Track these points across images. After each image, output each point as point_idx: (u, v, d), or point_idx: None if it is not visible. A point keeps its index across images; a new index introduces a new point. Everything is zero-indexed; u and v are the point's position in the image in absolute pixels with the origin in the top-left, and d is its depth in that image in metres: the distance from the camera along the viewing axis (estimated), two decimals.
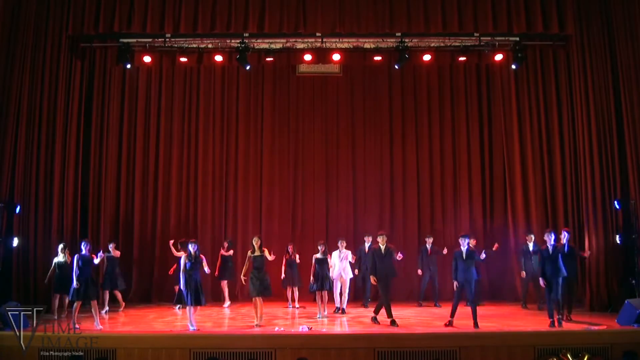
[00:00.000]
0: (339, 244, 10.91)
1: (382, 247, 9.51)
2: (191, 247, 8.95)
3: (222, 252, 11.80)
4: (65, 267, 9.83)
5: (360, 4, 11.05)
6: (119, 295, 11.17)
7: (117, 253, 11.12)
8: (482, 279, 11.70)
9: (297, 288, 11.52)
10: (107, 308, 10.97)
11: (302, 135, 13.38)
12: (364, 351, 7.96)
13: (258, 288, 9.35)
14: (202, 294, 8.90)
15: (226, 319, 10.54)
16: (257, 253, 9.52)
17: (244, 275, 9.72)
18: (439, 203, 13.18)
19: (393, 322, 9.22)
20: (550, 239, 9.15)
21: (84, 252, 9.07)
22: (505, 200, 12.85)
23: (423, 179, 13.26)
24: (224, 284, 11.81)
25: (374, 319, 9.52)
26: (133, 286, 12.44)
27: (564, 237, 9.41)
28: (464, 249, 9.14)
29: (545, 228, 11.74)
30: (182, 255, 9.05)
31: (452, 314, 9.20)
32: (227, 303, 11.75)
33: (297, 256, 11.32)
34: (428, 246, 11.74)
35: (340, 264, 10.74)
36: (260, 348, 7.94)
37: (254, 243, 9.57)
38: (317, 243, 10.88)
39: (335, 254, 10.81)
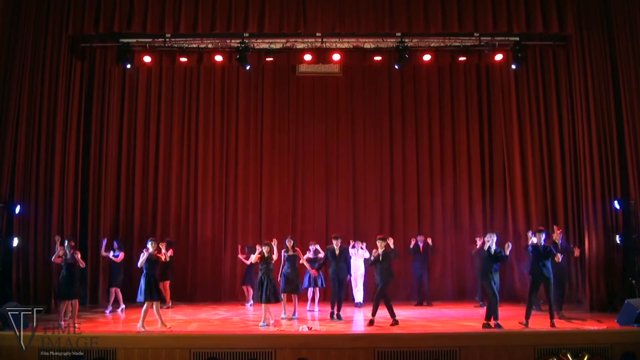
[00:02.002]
0: (355, 244, 11.28)
1: (381, 252, 9.48)
2: (150, 245, 9.02)
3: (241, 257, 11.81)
4: (74, 267, 9.61)
5: (360, 4, 11.05)
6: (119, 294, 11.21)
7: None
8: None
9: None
10: (123, 306, 11.12)
11: (302, 135, 13.39)
12: (364, 351, 7.96)
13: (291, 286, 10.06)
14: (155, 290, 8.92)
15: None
16: (290, 252, 10.16)
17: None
18: (438, 203, 13.18)
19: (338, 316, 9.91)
20: (532, 239, 9.16)
21: (150, 250, 9.02)
22: (505, 200, 12.86)
23: (423, 179, 13.26)
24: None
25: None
26: (133, 286, 12.42)
27: (542, 237, 9.23)
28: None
29: (545, 228, 11.81)
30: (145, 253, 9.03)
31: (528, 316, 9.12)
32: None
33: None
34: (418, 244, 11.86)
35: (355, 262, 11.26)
36: (260, 348, 7.94)
37: (287, 243, 10.21)
38: (309, 243, 11.05)
39: (352, 251, 11.00)
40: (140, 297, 8.81)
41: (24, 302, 10.04)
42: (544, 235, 9.18)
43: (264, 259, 9.46)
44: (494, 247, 8.88)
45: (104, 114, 12.65)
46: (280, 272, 10.41)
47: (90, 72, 12.36)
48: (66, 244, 9.65)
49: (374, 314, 9.36)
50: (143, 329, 8.65)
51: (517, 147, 12.62)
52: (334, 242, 10.19)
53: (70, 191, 11.60)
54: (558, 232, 10.29)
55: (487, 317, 8.91)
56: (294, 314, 10.14)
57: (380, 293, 9.40)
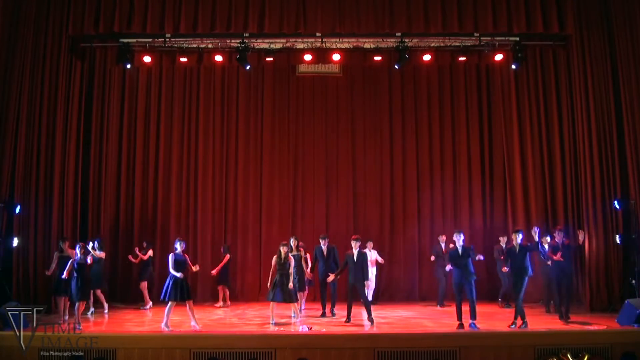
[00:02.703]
0: (368, 245, 11.30)
1: (356, 252, 9.70)
2: (178, 245, 9.08)
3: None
4: (85, 267, 9.52)
5: (360, 4, 11.04)
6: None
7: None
8: (482, 279, 11.66)
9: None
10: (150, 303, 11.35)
11: (302, 135, 13.38)
12: (364, 351, 7.96)
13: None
14: None
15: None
16: (294, 252, 10.16)
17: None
18: (438, 202, 13.17)
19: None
20: (518, 238, 9.19)
21: (178, 250, 9.01)
22: (505, 200, 12.85)
23: (423, 179, 13.25)
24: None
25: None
26: (132, 286, 12.43)
27: (519, 237, 9.21)
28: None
29: (546, 228, 11.84)
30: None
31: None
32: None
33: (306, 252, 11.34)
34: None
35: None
36: (260, 348, 7.94)
37: (292, 243, 10.28)
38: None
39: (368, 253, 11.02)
40: (165, 296, 8.83)
41: (24, 302, 10.02)
42: (520, 235, 9.14)
43: (280, 260, 9.54)
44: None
45: (104, 114, 12.67)
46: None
47: (90, 72, 12.37)
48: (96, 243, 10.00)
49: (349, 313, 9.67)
50: (167, 328, 8.70)
51: (517, 147, 12.62)
52: (321, 241, 10.48)
53: (70, 191, 11.59)
54: (559, 231, 10.29)
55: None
56: (300, 312, 10.30)
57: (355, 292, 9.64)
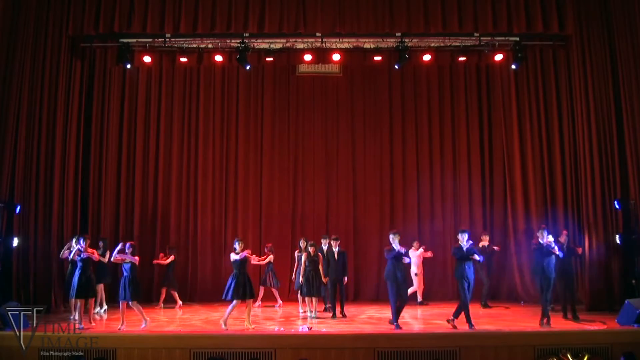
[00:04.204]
0: (414, 245, 11.65)
1: (337, 250, 10.24)
2: (237, 245, 9.12)
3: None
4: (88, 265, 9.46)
5: (360, 4, 11.05)
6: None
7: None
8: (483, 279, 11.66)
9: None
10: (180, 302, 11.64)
11: (302, 135, 13.39)
12: (364, 351, 7.96)
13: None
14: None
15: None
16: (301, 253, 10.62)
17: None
18: (438, 202, 13.18)
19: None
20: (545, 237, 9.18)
21: (237, 250, 9.06)
22: (505, 200, 12.86)
23: (423, 179, 13.26)
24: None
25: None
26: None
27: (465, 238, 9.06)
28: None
29: (544, 228, 11.83)
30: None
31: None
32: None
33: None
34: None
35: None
36: (260, 348, 7.94)
37: (301, 244, 10.75)
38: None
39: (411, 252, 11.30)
40: (227, 296, 8.90)
41: (24, 302, 10.03)
42: (466, 235, 9.01)
43: (310, 258, 10.20)
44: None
45: (104, 114, 12.67)
46: (296, 272, 10.88)
47: (90, 72, 12.38)
48: (81, 240, 9.44)
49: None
50: (225, 327, 8.79)
51: (517, 147, 12.63)
52: (322, 241, 10.58)
53: (70, 191, 11.60)
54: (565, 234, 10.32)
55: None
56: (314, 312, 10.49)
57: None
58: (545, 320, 9.10)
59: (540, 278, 9.33)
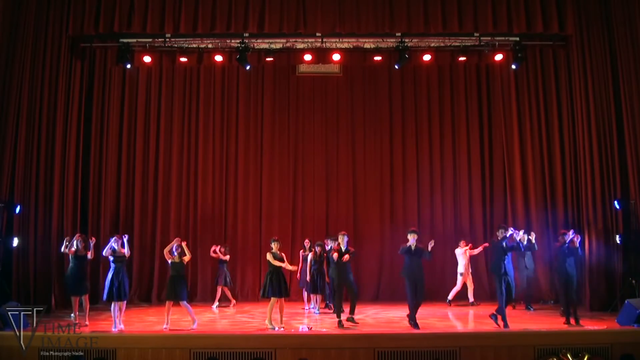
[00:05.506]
0: (460, 244, 11.74)
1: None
2: (273, 245, 9.18)
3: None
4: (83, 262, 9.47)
5: (360, 4, 11.05)
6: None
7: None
8: (483, 279, 11.67)
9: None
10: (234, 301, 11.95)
11: (302, 135, 13.38)
12: (364, 351, 7.96)
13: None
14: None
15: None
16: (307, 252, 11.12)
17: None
18: (438, 202, 13.18)
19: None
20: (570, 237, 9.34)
21: (274, 250, 9.10)
22: (505, 200, 12.86)
23: (423, 179, 13.26)
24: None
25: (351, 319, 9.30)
26: (133, 286, 12.42)
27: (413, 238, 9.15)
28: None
29: (546, 228, 11.86)
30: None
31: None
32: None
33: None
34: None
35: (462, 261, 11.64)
36: (260, 348, 7.94)
37: (305, 244, 11.28)
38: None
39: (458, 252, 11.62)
40: (265, 293, 8.98)
41: (24, 302, 10.03)
42: (415, 236, 9.07)
43: (317, 258, 10.65)
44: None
45: (104, 114, 12.66)
46: (301, 271, 11.18)
47: (90, 72, 12.37)
48: (123, 239, 9.34)
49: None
50: (270, 326, 8.87)
51: (517, 147, 12.62)
52: (328, 241, 10.34)
53: (70, 191, 11.59)
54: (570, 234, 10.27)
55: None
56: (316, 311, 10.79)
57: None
58: (572, 320, 9.07)
59: (564, 279, 9.33)
